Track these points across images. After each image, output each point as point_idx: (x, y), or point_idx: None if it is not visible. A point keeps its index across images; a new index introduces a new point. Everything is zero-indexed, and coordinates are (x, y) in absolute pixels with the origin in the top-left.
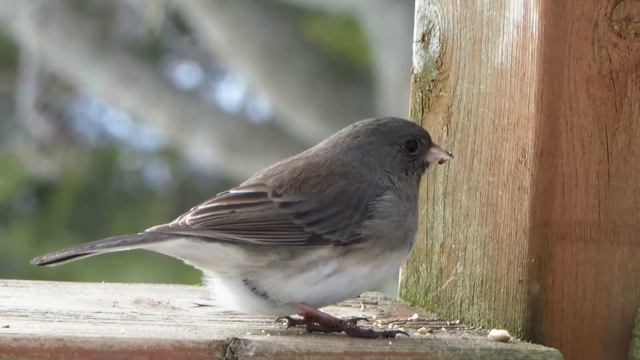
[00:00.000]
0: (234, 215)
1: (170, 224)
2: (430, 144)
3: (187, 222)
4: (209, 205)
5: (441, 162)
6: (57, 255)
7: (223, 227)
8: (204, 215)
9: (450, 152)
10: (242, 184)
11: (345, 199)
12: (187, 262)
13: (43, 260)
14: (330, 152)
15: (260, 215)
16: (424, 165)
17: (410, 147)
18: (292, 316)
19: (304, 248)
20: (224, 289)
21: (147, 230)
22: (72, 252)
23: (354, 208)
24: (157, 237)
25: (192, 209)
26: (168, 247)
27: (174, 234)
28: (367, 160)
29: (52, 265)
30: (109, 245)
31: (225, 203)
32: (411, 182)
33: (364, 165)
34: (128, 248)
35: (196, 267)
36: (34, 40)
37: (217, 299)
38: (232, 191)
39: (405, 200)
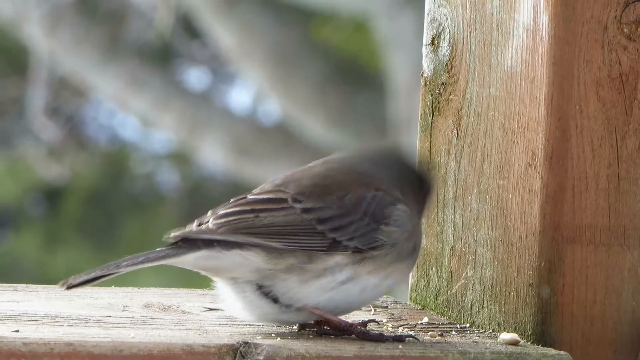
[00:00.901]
0: (259, 219)
1: (193, 229)
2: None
3: (210, 226)
4: (231, 210)
5: None
6: (84, 277)
7: (248, 231)
8: (229, 219)
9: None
10: (257, 190)
11: (363, 205)
12: (203, 273)
13: (70, 284)
14: (349, 161)
15: (284, 220)
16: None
17: (422, 190)
18: None
19: (322, 253)
20: (233, 296)
21: (171, 234)
22: (98, 272)
23: (371, 215)
24: (178, 252)
25: (209, 212)
26: (189, 261)
27: (194, 244)
28: (385, 176)
29: (79, 288)
30: (133, 263)
31: (248, 207)
32: (418, 210)
33: (382, 178)
34: (151, 264)
35: (211, 276)
36: (44, 44)
37: (225, 305)
38: (251, 196)
39: (415, 216)
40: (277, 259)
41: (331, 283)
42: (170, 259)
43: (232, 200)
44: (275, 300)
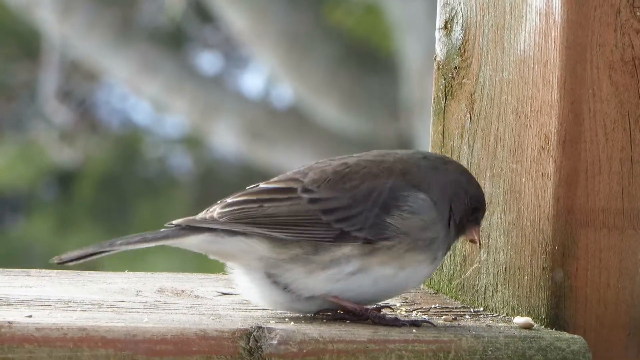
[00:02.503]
0: (262, 209)
1: (197, 217)
2: (477, 224)
3: (215, 215)
4: (237, 199)
5: (472, 241)
6: (76, 253)
7: (250, 221)
8: (232, 208)
9: (481, 245)
10: (275, 178)
11: (374, 195)
12: (211, 256)
13: (62, 259)
14: (398, 156)
15: (288, 210)
16: (461, 232)
17: (473, 208)
18: None
19: (329, 244)
20: (247, 281)
21: (173, 222)
22: (90, 250)
23: (382, 205)
24: (178, 233)
25: (219, 201)
26: (191, 243)
27: (198, 227)
28: (430, 176)
29: (71, 263)
30: (128, 242)
31: (254, 197)
32: (451, 225)
33: (423, 178)
34: (149, 245)
35: (220, 260)
36: (56, 28)
37: (240, 290)
38: (263, 185)
39: (440, 214)
40: (281, 248)
41: (338, 274)
42: (171, 240)
43: (247, 188)
44: (285, 288)
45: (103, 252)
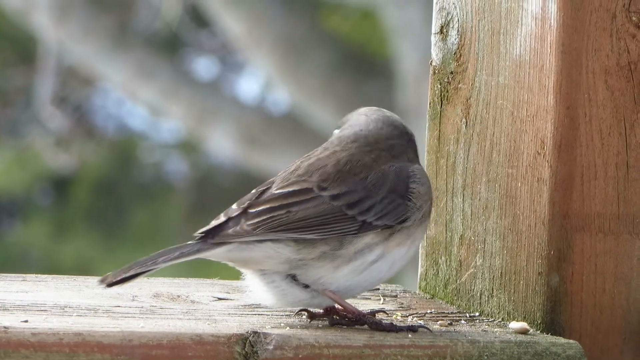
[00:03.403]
0: (291, 214)
1: (230, 231)
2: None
3: (245, 228)
4: (262, 208)
5: None
6: (123, 274)
7: (283, 228)
8: (263, 218)
9: None
10: (279, 181)
11: (388, 183)
12: (231, 264)
13: (109, 282)
14: (364, 138)
15: (316, 211)
16: None
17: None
18: (311, 309)
19: (352, 237)
20: (262, 284)
21: (200, 231)
22: (137, 269)
23: (396, 190)
24: (211, 247)
25: (236, 208)
26: (220, 253)
27: (233, 242)
28: (396, 142)
29: (119, 286)
30: (170, 258)
31: (277, 204)
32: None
33: (395, 145)
34: (187, 259)
35: (238, 268)
36: (52, 34)
37: (254, 296)
38: (276, 191)
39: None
40: (309, 248)
41: (362, 265)
42: (204, 253)
43: (254, 191)
44: (306, 286)
45: (148, 270)
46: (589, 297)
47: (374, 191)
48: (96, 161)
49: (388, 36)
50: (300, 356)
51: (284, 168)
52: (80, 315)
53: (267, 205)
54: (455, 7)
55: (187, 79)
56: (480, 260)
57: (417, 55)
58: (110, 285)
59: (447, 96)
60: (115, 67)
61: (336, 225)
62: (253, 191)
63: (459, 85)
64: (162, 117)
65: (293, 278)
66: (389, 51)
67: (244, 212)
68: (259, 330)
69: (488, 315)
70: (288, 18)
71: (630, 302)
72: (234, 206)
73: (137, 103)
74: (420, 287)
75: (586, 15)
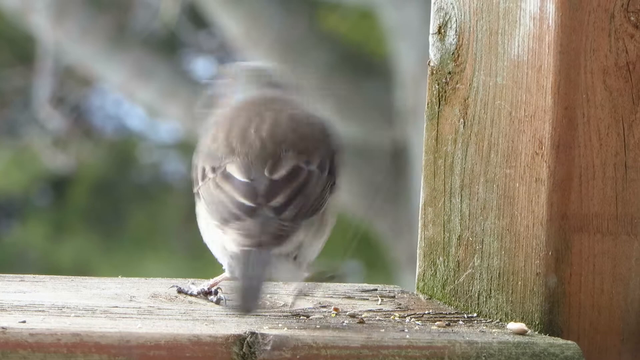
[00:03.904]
0: (310, 198)
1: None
2: None
3: (286, 224)
4: (284, 199)
5: None
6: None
7: (310, 213)
8: (295, 209)
9: None
10: (269, 166)
11: (327, 144)
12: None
13: (247, 309)
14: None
15: (321, 189)
16: None
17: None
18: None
19: (324, 201)
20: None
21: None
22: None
23: (331, 148)
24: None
25: (250, 204)
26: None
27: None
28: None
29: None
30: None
31: (292, 192)
32: None
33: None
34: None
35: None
36: (50, 34)
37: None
38: (275, 176)
39: None
40: (310, 226)
41: (325, 227)
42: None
43: (245, 181)
44: (295, 258)
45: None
46: (587, 298)
47: (329, 153)
48: (94, 161)
49: (386, 36)
50: (298, 357)
51: (226, 135)
52: (78, 316)
53: (288, 192)
54: (453, 7)
55: (185, 80)
56: (478, 261)
57: (415, 55)
58: (249, 311)
59: (445, 96)
60: (113, 67)
61: (328, 194)
62: (238, 178)
63: (457, 86)
64: (160, 118)
65: (292, 257)
66: (387, 51)
67: (272, 208)
68: (256, 331)
69: (486, 316)
70: (286, 18)
71: (629, 302)
72: (243, 200)
73: (135, 103)
74: (418, 288)
75: (584, 16)
